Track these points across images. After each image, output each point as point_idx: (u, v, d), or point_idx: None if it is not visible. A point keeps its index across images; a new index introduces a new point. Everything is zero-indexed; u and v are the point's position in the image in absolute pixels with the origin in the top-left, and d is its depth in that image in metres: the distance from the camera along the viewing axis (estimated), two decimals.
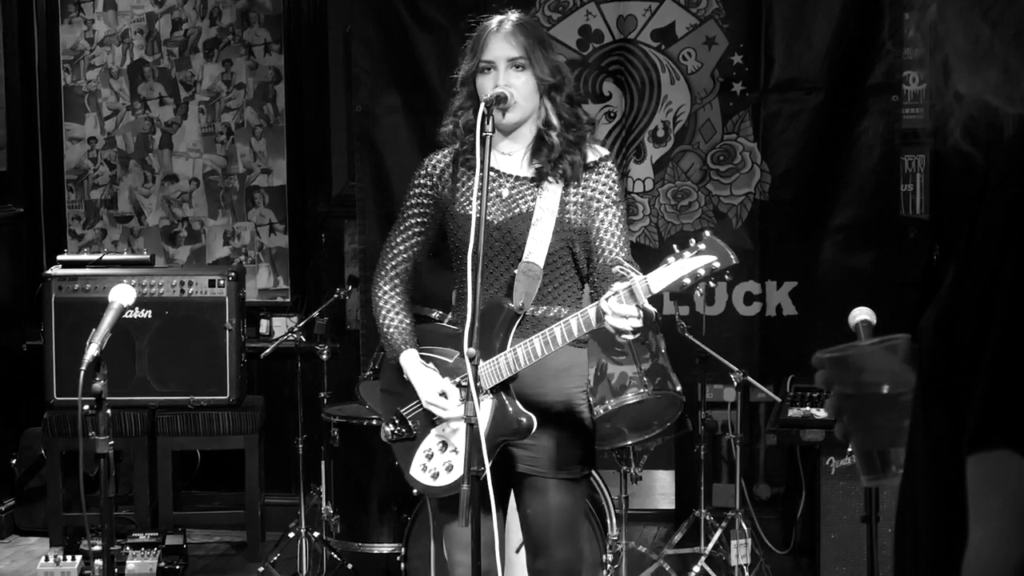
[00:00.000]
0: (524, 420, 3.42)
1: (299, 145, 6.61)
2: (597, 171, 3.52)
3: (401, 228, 3.65)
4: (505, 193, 3.53)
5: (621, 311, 3.15)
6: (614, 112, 5.84)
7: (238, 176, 6.65)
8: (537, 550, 3.60)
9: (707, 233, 3.22)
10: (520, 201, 3.52)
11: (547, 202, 3.48)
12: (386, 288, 3.64)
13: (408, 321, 3.62)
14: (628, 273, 3.21)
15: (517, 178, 3.54)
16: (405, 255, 3.64)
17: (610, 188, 3.51)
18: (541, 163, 3.51)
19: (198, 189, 6.69)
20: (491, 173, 3.36)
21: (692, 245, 3.18)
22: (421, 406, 3.57)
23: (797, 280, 5.74)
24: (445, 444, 3.53)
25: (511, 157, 3.54)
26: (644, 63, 5.81)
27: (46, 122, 6.77)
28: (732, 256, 3.18)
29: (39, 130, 6.78)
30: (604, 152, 3.57)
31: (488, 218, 3.39)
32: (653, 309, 3.25)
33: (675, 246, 3.21)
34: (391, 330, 3.60)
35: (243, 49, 6.61)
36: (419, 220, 3.63)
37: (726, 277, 3.24)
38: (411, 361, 3.56)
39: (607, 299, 3.18)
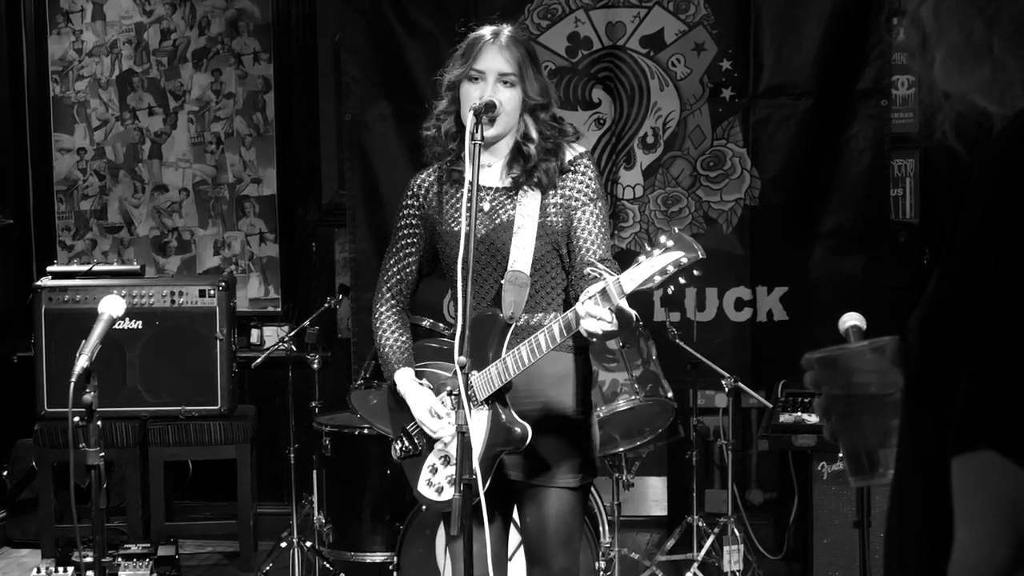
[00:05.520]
0: (519, 430, 3.40)
1: (289, 154, 6.61)
2: (573, 170, 3.49)
3: (394, 249, 3.67)
4: (486, 206, 3.50)
5: (596, 313, 3.10)
6: (604, 119, 5.84)
7: (228, 186, 6.65)
8: (535, 559, 3.58)
9: (675, 229, 3.17)
10: (500, 212, 3.50)
11: (527, 209, 3.46)
12: (383, 309, 3.65)
13: (403, 340, 3.62)
14: (602, 274, 3.18)
15: (496, 190, 3.52)
16: (399, 276, 3.65)
17: (586, 186, 3.48)
18: (517, 172, 3.49)
19: (188, 199, 6.68)
20: (472, 187, 3.31)
21: (661, 243, 3.13)
22: None
23: (788, 285, 5.74)
24: (447, 459, 3.52)
25: (490, 169, 3.52)
26: (633, 69, 5.81)
27: (35, 133, 6.76)
28: (698, 250, 3.12)
29: (28, 141, 6.78)
30: (580, 149, 3.54)
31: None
32: (631, 311, 3.20)
33: (646, 244, 3.18)
34: (386, 350, 3.61)
35: (232, 58, 6.61)
36: (410, 240, 3.63)
37: (695, 273, 3.17)
38: (404, 380, 3.56)
39: (582, 302, 3.14)
